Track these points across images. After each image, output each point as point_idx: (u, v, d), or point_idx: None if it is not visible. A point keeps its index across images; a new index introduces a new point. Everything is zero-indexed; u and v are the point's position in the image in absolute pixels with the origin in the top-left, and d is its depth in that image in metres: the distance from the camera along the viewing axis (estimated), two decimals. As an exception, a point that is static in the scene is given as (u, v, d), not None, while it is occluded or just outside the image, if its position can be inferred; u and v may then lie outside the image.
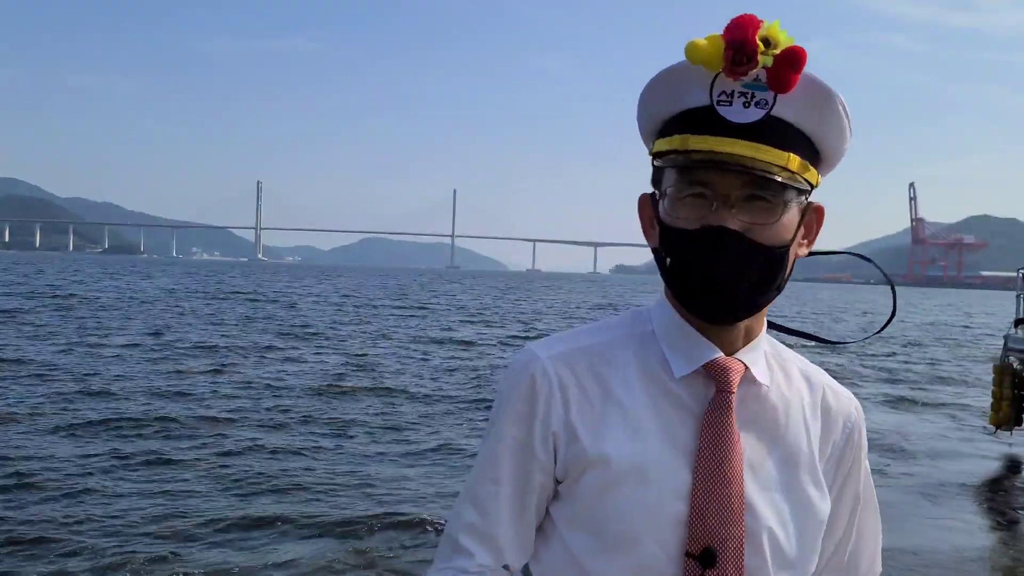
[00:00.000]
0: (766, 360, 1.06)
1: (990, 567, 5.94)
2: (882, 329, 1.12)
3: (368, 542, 5.77)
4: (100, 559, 5.20)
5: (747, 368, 1.02)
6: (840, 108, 0.97)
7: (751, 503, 0.99)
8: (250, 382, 12.17)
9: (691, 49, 0.93)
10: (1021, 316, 10.08)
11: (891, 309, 1.14)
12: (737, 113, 0.93)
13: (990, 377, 9.66)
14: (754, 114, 0.93)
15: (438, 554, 1.09)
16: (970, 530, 6.75)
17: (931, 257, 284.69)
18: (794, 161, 0.95)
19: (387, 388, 12.29)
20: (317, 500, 6.58)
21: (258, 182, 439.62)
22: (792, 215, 0.98)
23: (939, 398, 14.10)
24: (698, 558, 0.96)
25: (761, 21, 0.92)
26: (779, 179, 0.93)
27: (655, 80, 0.99)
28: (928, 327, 35.42)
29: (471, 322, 27.44)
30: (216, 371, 13.16)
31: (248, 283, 55.30)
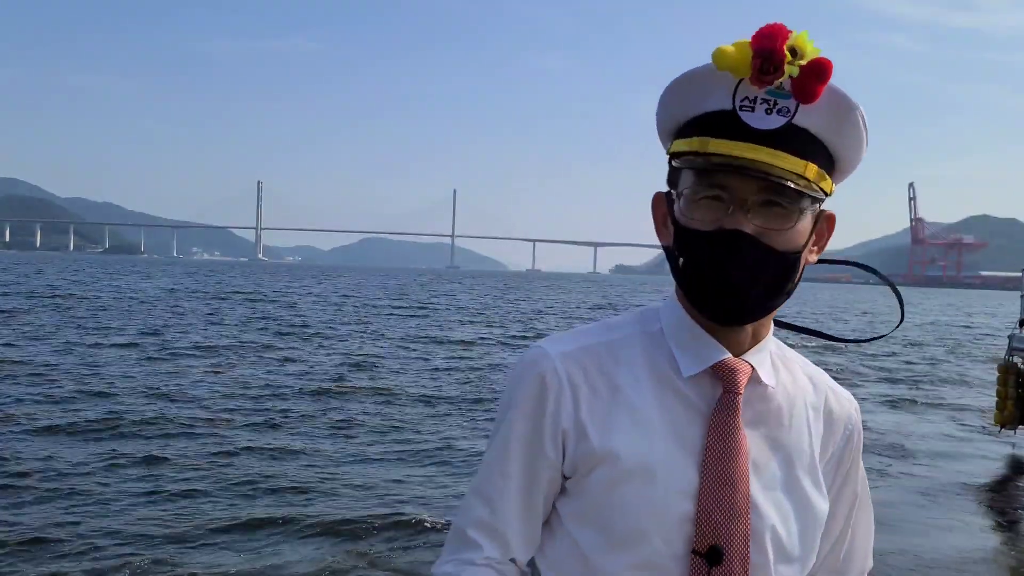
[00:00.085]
0: (771, 361, 1.08)
1: (992, 568, 5.92)
2: (894, 330, 1.14)
3: (369, 543, 5.76)
4: (99, 561, 5.18)
5: (754, 369, 1.04)
6: (860, 120, 0.99)
7: (755, 502, 1.00)
8: (250, 382, 12.16)
9: (719, 55, 0.94)
10: None
11: (899, 313, 1.15)
12: (759, 119, 0.95)
13: (989, 377, 9.68)
14: (776, 121, 0.95)
15: (446, 547, 1.10)
16: (971, 531, 6.74)
17: (931, 257, 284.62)
18: (811, 170, 0.97)
19: (387, 388, 12.28)
20: (317, 501, 6.57)
21: (258, 182, 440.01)
22: (806, 222, 0.99)
23: (939, 398, 14.09)
24: (704, 556, 0.98)
25: (790, 31, 0.94)
26: (796, 186, 0.95)
27: (677, 81, 1.00)
28: (928, 327, 35.42)
29: (471, 322, 27.44)
30: (215, 371, 13.15)
31: (248, 283, 55.30)
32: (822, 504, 1.07)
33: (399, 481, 7.30)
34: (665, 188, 1.07)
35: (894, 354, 21.65)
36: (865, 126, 1.00)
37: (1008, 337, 9.72)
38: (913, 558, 5.90)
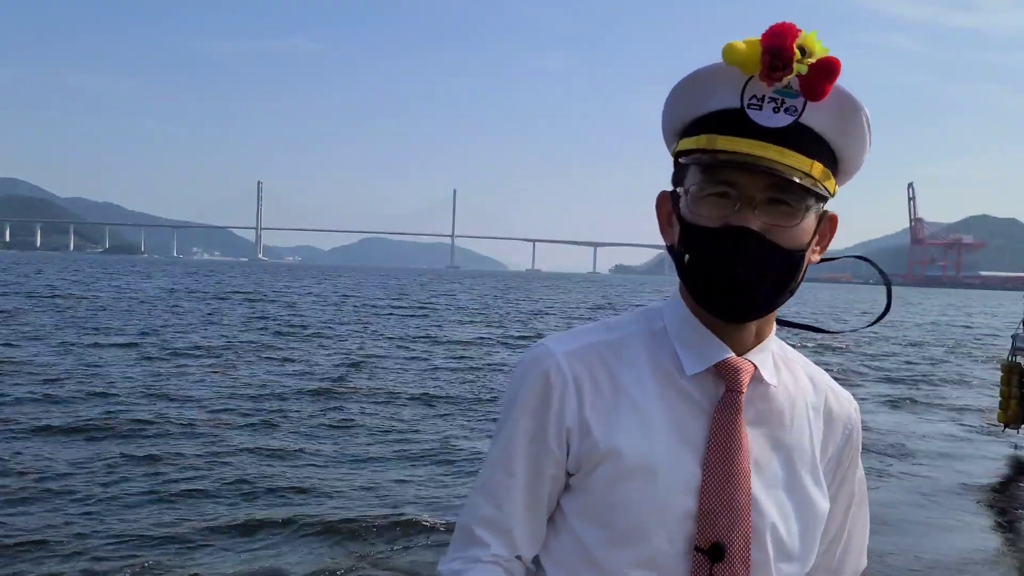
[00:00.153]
0: (773, 361, 1.09)
1: (993, 569, 5.90)
2: (880, 319, 1.15)
3: (369, 543, 5.75)
4: (97, 562, 5.16)
5: (756, 368, 1.05)
6: (864, 121, 1.00)
7: (756, 499, 1.02)
8: (249, 382, 12.15)
9: (729, 50, 0.95)
10: None
11: (898, 309, 1.15)
12: (766, 118, 0.96)
13: (990, 377, 9.69)
14: (783, 120, 0.96)
15: (452, 544, 1.11)
16: (972, 531, 6.73)
17: (930, 257, 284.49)
18: (817, 168, 0.98)
19: (387, 388, 12.27)
20: (317, 501, 6.56)
21: (258, 182, 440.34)
22: (810, 221, 1.00)
23: (939, 398, 14.08)
24: (707, 552, 0.99)
25: (799, 30, 0.95)
26: (802, 184, 0.96)
27: (685, 81, 1.01)
28: (928, 327, 35.42)
29: (471, 322, 27.42)
30: (215, 371, 13.14)
31: (248, 283, 55.28)
32: (823, 503, 1.08)
33: (399, 481, 7.29)
34: (667, 188, 1.08)
35: (894, 354, 21.65)
36: (869, 128, 1.01)
37: (1012, 337, 9.77)
38: (914, 559, 5.89)
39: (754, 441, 1.04)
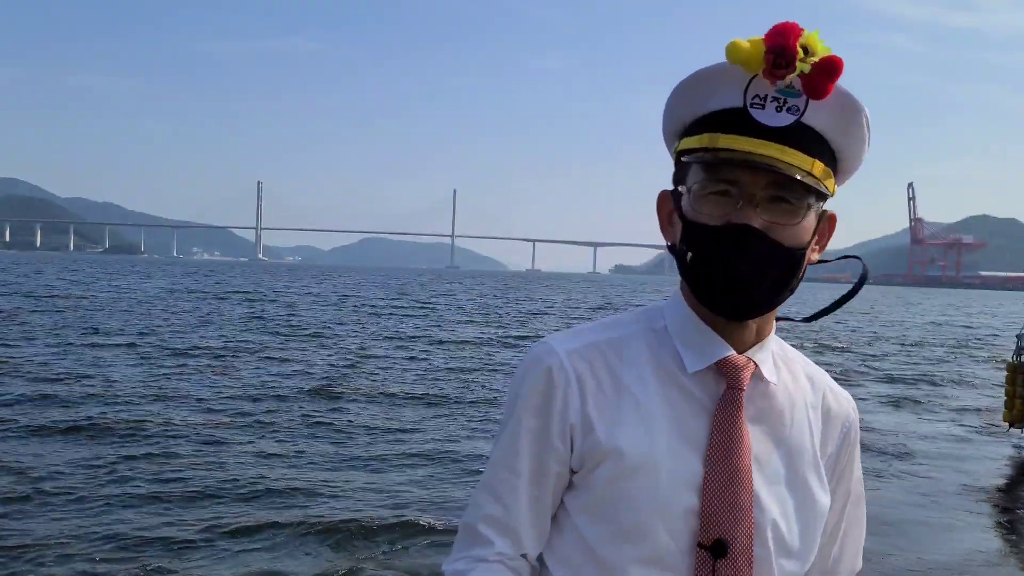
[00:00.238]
0: (773, 359, 1.10)
1: (994, 569, 5.88)
2: (848, 298, 1.12)
3: (369, 545, 5.72)
4: (96, 564, 5.13)
5: (757, 366, 1.06)
6: (865, 122, 1.01)
7: (758, 496, 1.03)
8: (249, 383, 12.13)
9: (733, 48, 0.96)
10: None
11: (852, 290, 1.14)
12: (769, 117, 0.97)
13: (990, 376, 9.70)
14: (785, 119, 0.97)
15: (456, 543, 1.11)
16: (973, 532, 6.71)
17: (930, 257, 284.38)
18: (818, 167, 0.99)
19: (387, 389, 12.25)
20: (316, 503, 6.54)
21: (258, 182, 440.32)
22: (811, 219, 1.02)
23: (940, 398, 14.08)
24: (709, 549, 0.99)
25: (802, 30, 0.96)
26: (804, 182, 0.96)
27: (687, 80, 1.02)
28: (928, 327, 35.43)
29: (471, 322, 27.43)
30: (213, 372, 13.13)
31: (248, 283, 55.29)
32: (824, 499, 1.09)
33: (399, 482, 7.28)
34: (668, 188, 1.09)
35: (895, 354, 21.66)
36: (869, 128, 1.02)
37: (1016, 337, 9.82)
38: (915, 559, 5.88)
39: (755, 438, 1.05)
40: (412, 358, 16.43)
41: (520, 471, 1.06)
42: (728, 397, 1.04)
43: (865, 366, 18.23)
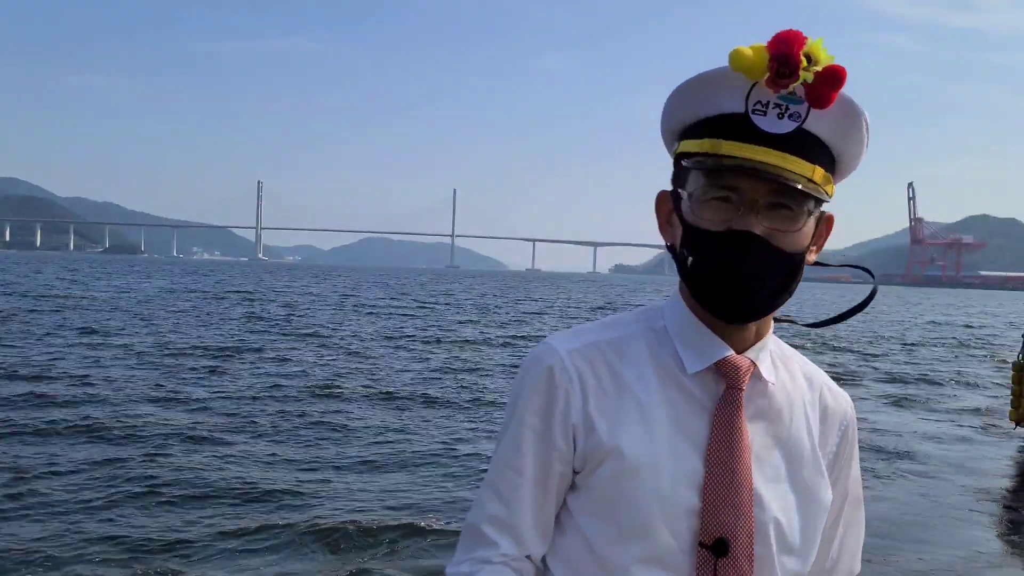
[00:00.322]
0: (771, 359, 1.11)
1: (998, 570, 5.86)
2: (857, 311, 1.13)
3: (370, 546, 5.70)
4: (95, 567, 5.11)
5: (755, 366, 1.07)
6: (864, 126, 1.02)
7: (758, 494, 1.03)
8: (247, 384, 12.13)
9: (736, 56, 0.96)
10: None
11: (866, 299, 1.15)
12: (771, 123, 0.98)
13: (991, 376, 9.72)
14: (787, 126, 0.98)
15: (460, 545, 1.11)
16: (976, 532, 6.69)
17: (930, 257, 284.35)
18: (819, 173, 1.00)
19: (387, 389, 12.24)
20: (316, 504, 6.51)
21: (259, 182, 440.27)
22: (810, 224, 1.03)
23: (941, 398, 14.08)
24: (711, 548, 1.00)
25: (806, 38, 0.96)
26: (804, 189, 0.98)
27: (689, 83, 1.02)
28: (928, 327, 35.42)
29: (471, 322, 27.42)
30: (212, 372, 13.12)
31: (248, 283, 55.28)
32: (825, 496, 1.09)
33: (399, 483, 7.26)
34: (667, 188, 1.10)
35: (895, 354, 21.66)
36: (868, 132, 1.03)
37: (1022, 336, 9.88)
38: (916, 560, 5.87)
39: (755, 437, 1.05)
40: (412, 358, 16.42)
41: (524, 471, 1.06)
42: (728, 397, 1.05)
43: (866, 366, 18.24)
